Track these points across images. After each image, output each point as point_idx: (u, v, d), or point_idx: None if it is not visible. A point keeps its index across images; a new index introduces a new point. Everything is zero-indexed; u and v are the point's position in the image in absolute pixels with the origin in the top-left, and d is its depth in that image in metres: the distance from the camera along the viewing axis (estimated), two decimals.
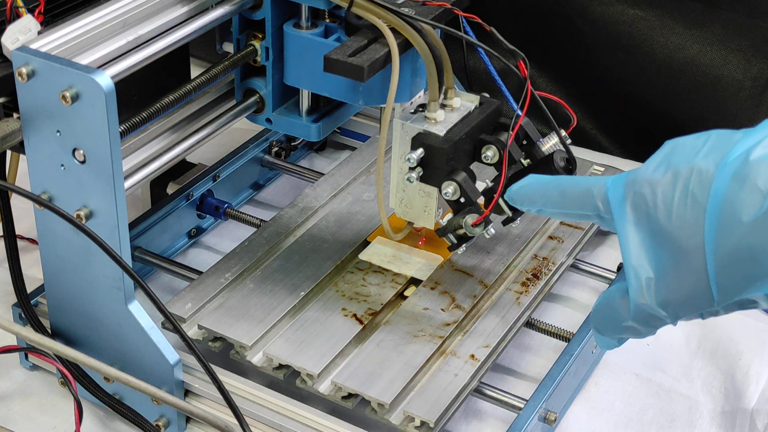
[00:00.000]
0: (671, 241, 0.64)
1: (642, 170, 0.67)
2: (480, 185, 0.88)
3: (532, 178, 0.76)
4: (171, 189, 1.12)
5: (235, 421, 0.78)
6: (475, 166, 0.89)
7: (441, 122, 0.87)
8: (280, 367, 0.89)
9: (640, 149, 1.03)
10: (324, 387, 0.87)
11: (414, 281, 0.98)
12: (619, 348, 1.01)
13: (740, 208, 0.61)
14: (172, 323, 0.79)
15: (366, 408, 0.86)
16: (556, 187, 0.73)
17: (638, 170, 0.68)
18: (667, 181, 0.65)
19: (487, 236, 0.88)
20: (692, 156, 0.64)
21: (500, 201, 0.86)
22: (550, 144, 0.88)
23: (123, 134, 0.84)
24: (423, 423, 0.84)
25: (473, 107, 0.89)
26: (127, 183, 0.88)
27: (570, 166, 0.85)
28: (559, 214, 0.74)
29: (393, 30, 0.84)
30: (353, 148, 1.27)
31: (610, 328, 0.71)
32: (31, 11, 0.82)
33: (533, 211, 0.75)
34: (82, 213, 0.81)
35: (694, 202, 0.63)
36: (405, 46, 0.85)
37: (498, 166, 0.87)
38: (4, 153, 0.90)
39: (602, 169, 1.16)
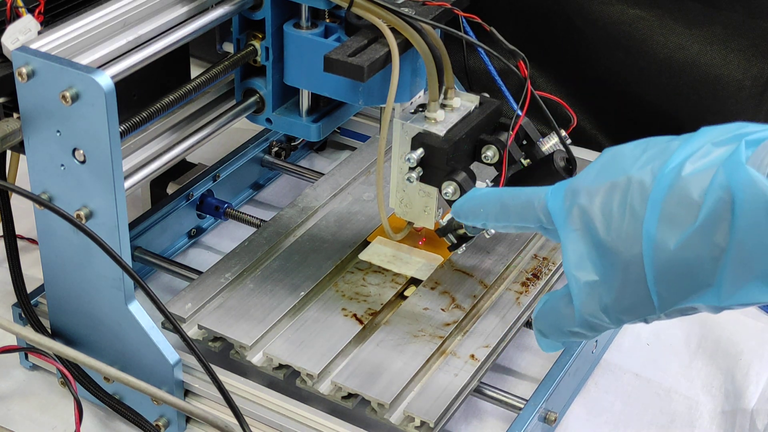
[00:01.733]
0: (611, 252, 0.64)
1: (581, 179, 0.67)
2: (480, 185, 0.88)
3: (475, 192, 0.76)
4: (171, 189, 1.12)
5: (235, 421, 0.78)
6: (475, 166, 0.89)
7: (441, 122, 0.87)
8: (280, 367, 0.89)
9: None
10: (324, 387, 0.87)
11: (414, 281, 0.98)
12: (619, 348, 1.02)
13: (675, 223, 0.61)
14: (172, 323, 0.79)
15: (366, 408, 0.86)
16: (497, 200, 0.73)
17: (577, 179, 0.68)
18: (606, 191, 0.65)
19: (487, 236, 0.88)
20: (630, 166, 0.64)
21: None
22: (550, 144, 0.88)
23: (123, 134, 0.84)
24: (423, 423, 0.84)
25: (473, 107, 0.89)
26: (127, 183, 0.88)
27: (570, 166, 0.85)
28: (504, 227, 0.74)
29: (393, 30, 0.85)
30: (353, 148, 1.27)
31: (554, 333, 0.72)
32: (31, 11, 0.82)
33: (479, 224, 0.76)
34: (82, 213, 0.81)
35: (632, 214, 0.63)
36: (405, 46, 0.85)
37: (498, 166, 0.87)
38: (4, 153, 0.90)
39: None
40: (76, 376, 0.88)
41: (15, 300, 0.92)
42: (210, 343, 0.91)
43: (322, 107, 0.98)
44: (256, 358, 0.90)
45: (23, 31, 0.80)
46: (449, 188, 0.86)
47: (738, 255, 0.59)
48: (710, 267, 0.60)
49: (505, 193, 0.73)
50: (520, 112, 0.86)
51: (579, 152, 1.11)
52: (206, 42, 0.97)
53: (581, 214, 0.66)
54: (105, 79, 0.75)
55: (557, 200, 0.68)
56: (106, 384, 0.89)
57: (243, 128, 1.12)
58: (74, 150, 0.79)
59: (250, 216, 1.10)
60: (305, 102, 0.97)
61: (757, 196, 0.58)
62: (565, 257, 0.67)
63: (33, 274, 0.98)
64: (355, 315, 0.93)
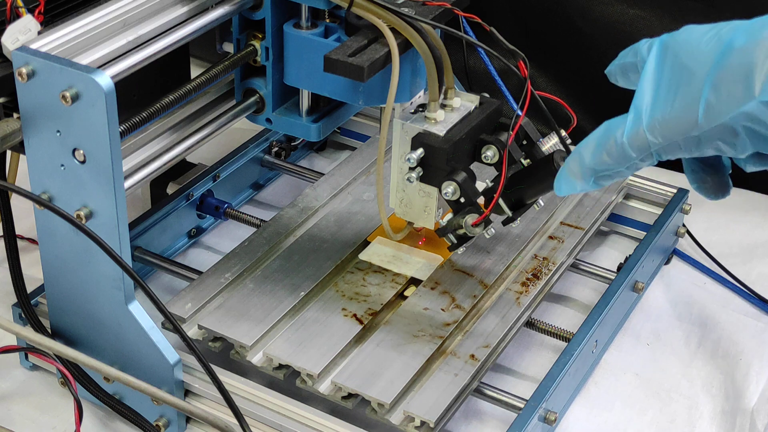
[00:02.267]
0: (683, 70, 0.68)
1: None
2: (480, 185, 0.88)
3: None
4: (171, 189, 1.12)
5: (235, 421, 0.78)
6: (475, 166, 0.89)
7: (441, 122, 0.87)
8: (280, 367, 0.89)
9: None
10: (324, 387, 0.87)
11: (414, 281, 0.98)
12: (619, 348, 1.02)
13: (755, 29, 0.67)
14: (172, 323, 0.79)
15: (366, 408, 0.86)
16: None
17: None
18: (705, 30, 0.71)
19: (487, 236, 0.88)
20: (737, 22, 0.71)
21: (500, 201, 0.87)
22: (550, 144, 0.87)
23: (123, 134, 0.84)
24: (423, 423, 0.84)
25: (473, 107, 0.89)
26: (127, 183, 0.88)
27: None
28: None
29: (393, 30, 0.85)
30: (353, 148, 1.27)
31: (594, 161, 0.74)
32: (31, 11, 0.82)
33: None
34: (82, 213, 0.81)
35: (719, 41, 0.69)
36: (405, 46, 0.85)
37: (498, 166, 0.87)
38: (4, 153, 0.90)
39: None
40: (76, 376, 0.88)
41: (15, 300, 0.92)
42: (210, 343, 0.91)
43: (322, 107, 0.98)
44: (256, 358, 0.90)
45: (23, 31, 0.80)
46: (449, 188, 0.86)
47: None
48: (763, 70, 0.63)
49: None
50: (520, 112, 0.86)
51: None
52: (206, 42, 0.97)
53: (672, 43, 0.71)
54: (105, 79, 0.75)
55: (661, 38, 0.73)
56: (106, 384, 0.89)
57: (243, 128, 1.12)
58: (74, 150, 0.79)
59: (250, 216, 1.10)
60: (305, 102, 0.97)
61: None
62: (641, 80, 0.71)
63: (33, 274, 0.98)
64: (355, 315, 0.93)
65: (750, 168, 0.74)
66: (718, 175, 0.76)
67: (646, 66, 0.71)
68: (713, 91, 0.65)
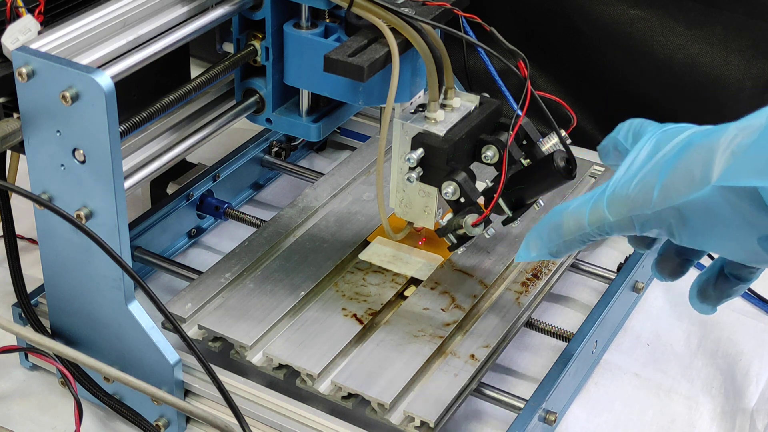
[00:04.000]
0: (651, 157, 0.70)
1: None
2: (480, 185, 0.88)
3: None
4: (171, 189, 1.12)
5: (235, 421, 0.78)
6: (475, 166, 0.89)
7: (441, 122, 0.87)
8: (280, 367, 0.89)
9: None
10: (324, 387, 0.87)
11: (414, 281, 0.98)
12: (619, 348, 1.02)
13: (714, 133, 0.66)
14: (172, 323, 0.79)
15: (366, 408, 0.86)
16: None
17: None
18: (684, 126, 0.71)
19: (487, 236, 0.88)
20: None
21: (500, 201, 0.86)
22: (550, 144, 0.87)
23: (123, 134, 0.84)
24: (423, 423, 0.84)
25: (473, 107, 0.89)
26: (127, 183, 0.88)
27: (570, 166, 0.85)
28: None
29: (393, 30, 0.84)
30: (353, 148, 1.27)
31: (550, 237, 0.76)
32: (31, 11, 0.82)
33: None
34: (82, 213, 0.81)
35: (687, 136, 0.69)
36: (405, 46, 0.85)
37: (498, 166, 0.87)
38: (4, 153, 0.90)
39: (602, 169, 1.16)
40: (76, 376, 0.88)
41: (15, 300, 0.93)
42: (210, 343, 0.91)
43: (322, 107, 0.98)
44: (256, 358, 0.90)
45: (23, 31, 0.80)
46: (449, 188, 0.86)
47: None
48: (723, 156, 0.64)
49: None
50: (520, 112, 0.86)
51: (579, 152, 1.11)
52: (206, 42, 0.97)
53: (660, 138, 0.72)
54: (105, 79, 0.75)
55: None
56: (106, 384, 0.89)
57: (243, 128, 1.12)
58: (74, 150, 0.79)
59: (250, 216, 1.10)
60: (305, 102, 0.97)
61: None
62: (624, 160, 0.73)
63: (33, 274, 0.98)
64: (355, 315, 0.93)
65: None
66: (680, 260, 0.79)
67: (633, 152, 0.73)
68: (671, 174, 0.67)
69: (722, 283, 0.77)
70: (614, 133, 0.79)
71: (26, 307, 0.92)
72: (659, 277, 0.80)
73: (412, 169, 0.87)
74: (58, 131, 0.79)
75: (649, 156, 0.70)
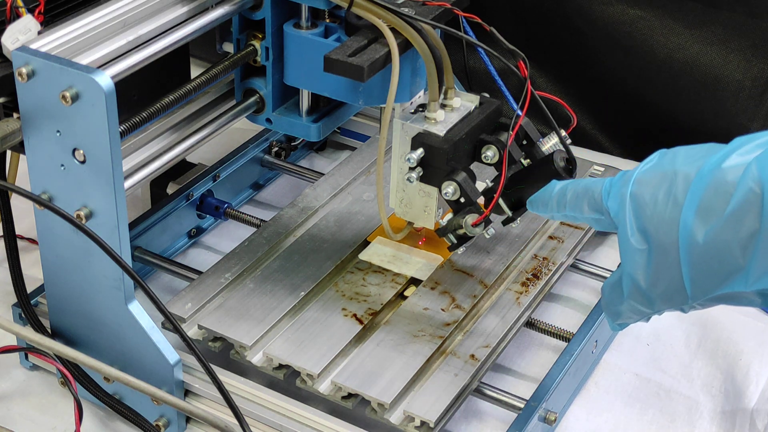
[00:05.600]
0: (652, 238, 0.68)
1: (636, 170, 0.72)
2: (480, 185, 0.88)
3: (550, 185, 0.81)
4: (171, 189, 1.12)
5: (235, 421, 0.78)
6: (475, 166, 0.89)
7: (441, 122, 0.87)
8: (280, 367, 0.89)
9: (639, 149, 1.03)
10: (324, 387, 0.87)
11: (414, 281, 0.98)
12: (619, 348, 1.02)
13: (710, 211, 0.65)
14: (172, 323, 0.79)
15: (366, 408, 0.86)
16: (561, 190, 0.78)
17: (632, 170, 0.72)
18: (656, 181, 0.69)
19: (487, 236, 0.88)
20: (680, 162, 0.69)
21: (500, 201, 0.87)
22: (550, 144, 0.87)
23: (123, 134, 0.84)
24: (423, 423, 0.84)
25: (473, 107, 0.89)
26: (127, 183, 0.88)
27: (570, 166, 0.85)
28: (563, 216, 0.78)
29: (393, 30, 0.84)
30: (353, 148, 1.27)
31: (613, 313, 0.76)
32: (31, 11, 0.82)
33: (546, 215, 0.80)
34: (82, 213, 0.81)
35: (674, 202, 0.67)
36: (405, 46, 0.85)
37: (498, 166, 0.87)
38: (4, 153, 0.90)
39: (602, 169, 1.16)
40: (76, 376, 0.88)
41: (15, 300, 0.92)
42: (210, 343, 0.91)
43: (322, 107, 0.98)
44: (256, 358, 0.90)
45: (23, 31, 0.80)
46: (449, 188, 0.86)
47: (766, 241, 0.62)
48: (740, 254, 0.63)
49: (570, 184, 0.78)
50: (520, 112, 0.86)
51: (579, 152, 1.11)
52: (206, 42, 0.97)
53: (631, 200, 0.70)
54: (105, 79, 0.75)
55: (615, 188, 0.72)
56: (106, 384, 0.89)
57: (243, 128, 1.12)
58: (74, 150, 0.79)
59: (250, 216, 1.10)
60: (305, 102, 0.97)
61: None
62: (620, 242, 0.71)
63: (33, 274, 0.98)
64: (355, 315, 0.93)
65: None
66: None
67: (618, 230, 0.71)
68: (694, 269, 0.66)
69: None
70: (562, 210, 0.78)
71: (26, 307, 0.92)
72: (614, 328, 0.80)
73: (412, 169, 0.87)
74: (58, 131, 0.79)
75: (647, 240, 0.69)
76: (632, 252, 0.70)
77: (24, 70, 0.77)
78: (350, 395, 0.87)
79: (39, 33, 0.81)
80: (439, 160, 0.86)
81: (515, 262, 1.01)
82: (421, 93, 0.92)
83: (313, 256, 1.00)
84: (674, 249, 0.67)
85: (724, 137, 0.71)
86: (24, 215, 0.99)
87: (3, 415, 0.92)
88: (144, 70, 0.85)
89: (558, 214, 0.79)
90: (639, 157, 0.77)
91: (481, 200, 0.88)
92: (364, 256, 1.00)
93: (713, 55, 1.21)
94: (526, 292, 0.98)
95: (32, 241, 1.08)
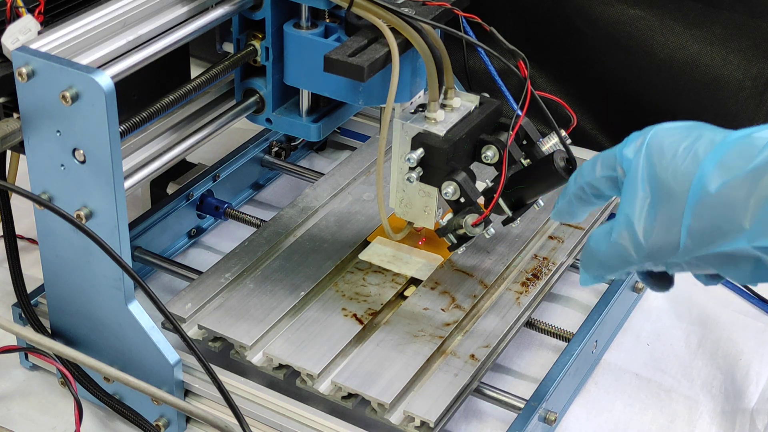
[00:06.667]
0: (662, 187, 0.68)
1: (661, 124, 0.71)
2: (480, 185, 0.88)
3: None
4: (171, 189, 1.12)
5: (235, 421, 0.78)
6: (475, 166, 0.89)
7: (441, 122, 0.87)
8: (280, 367, 0.89)
9: None
10: (324, 387, 0.87)
11: (414, 281, 0.98)
12: (619, 348, 1.02)
13: (730, 167, 0.64)
14: (172, 323, 0.79)
15: (366, 408, 0.86)
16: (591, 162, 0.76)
17: (655, 125, 0.72)
18: (678, 135, 0.69)
19: (487, 236, 0.88)
20: (708, 129, 0.69)
21: (500, 201, 0.87)
22: (550, 144, 0.88)
23: (123, 134, 0.84)
24: (423, 423, 0.84)
25: (473, 107, 0.89)
26: (127, 183, 0.88)
27: (570, 166, 0.85)
28: (587, 183, 0.76)
29: (393, 30, 0.84)
30: (353, 148, 1.27)
31: (590, 265, 0.74)
32: (31, 11, 0.82)
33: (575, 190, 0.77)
34: (82, 213, 0.81)
35: (694, 157, 0.67)
36: (405, 46, 0.85)
37: (498, 166, 0.87)
38: (4, 153, 0.90)
39: None
40: (76, 376, 0.88)
41: (15, 300, 0.92)
42: (210, 343, 0.91)
43: (322, 107, 0.98)
44: (256, 358, 0.90)
45: (23, 31, 0.80)
46: (449, 188, 0.86)
47: None
48: (750, 209, 0.63)
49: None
50: (520, 112, 0.86)
51: (579, 152, 1.11)
52: (206, 42, 0.97)
53: (649, 146, 0.69)
54: (105, 79, 0.75)
55: (632, 138, 0.72)
56: (106, 384, 0.89)
57: (243, 128, 1.12)
58: (74, 150, 0.79)
59: (250, 216, 1.10)
60: (305, 102, 0.97)
61: None
62: (623, 191, 0.70)
63: (33, 274, 0.98)
64: (355, 315, 0.93)
65: (706, 283, 0.74)
66: (661, 274, 0.76)
67: (627, 175, 0.71)
68: (696, 219, 0.65)
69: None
70: (578, 182, 0.76)
71: (26, 307, 0.92)
72: (651, 287, 0.78)
73: (412, 169, 0.87)
74: (58, 131, 0.79)
75: (654, 185, 0.68)
76: (636, 198, 0.69)
77: (24, 70, 0.77)
78: (350, 395, 0.87)
79: (39, 33, 0.81)
80: (439, 160, 0.86)
81: (515, 262, 1.01)
82: (421, 93, 0.92)
83: (313, 256, 1.00)
84: (682, 199, 0.66)
85: None
86: (24, 215, 0.99)
87: (3, 415, 0.92)
88: (144, 70, 0.85)
89: (573, 188, 0.76)
90: None
91: (481, 200, 0.88)
92: (364, 256, 1.00)
93: (713, 55, 1.21)
94: (526, 292, 0.98)
95: (32, 241, 1.08)
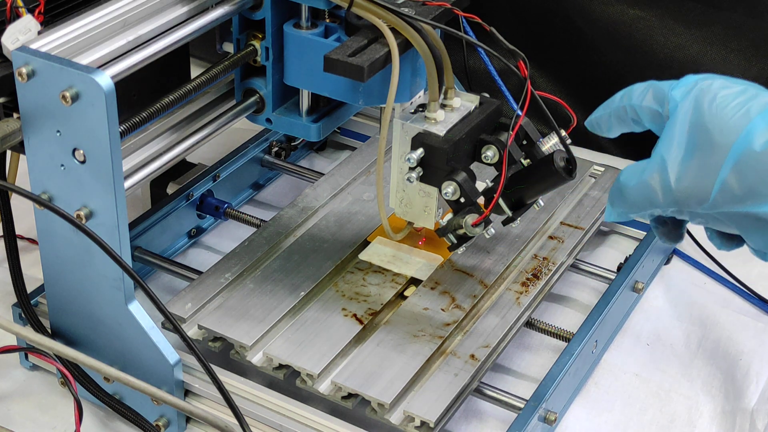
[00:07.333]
0: (704, 134, 0.66)
1: (722, 77, 0.70)
2: (480, 185, 0.88)
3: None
4: (171, 189, 1.12)
5: (235, 421, 0.78)
6: (475, 166, 0.89)
7: (441, 122, 0.87)
8: (280, 367, 0.89)
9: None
10: (324, 387, 0.87)
11: (414, 281, 0.98)
12: (619, 348, 1.02)
13: None
14: (172, 323, 0.79)
15: (366, 408, 0.86)
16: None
17: (708, 75, 0.71)
18: (734, 91, 0.67)
19: (487, 236, 0.88)
20: (764, 91, 0.68)
21: (500, 201, 0.86)
22: (550, 144, 0.87)
23: (123, 134, 0.84)
24: (423, 423, 0.84)
25: (473, 107, 0.89)
26: (127, 183, 0.88)
27: (570, 166, 0.85)
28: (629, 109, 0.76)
29: (393, 30, 0.84)
30: (353, 148, 1.27)
31: (617, 200, 0.74)
32: (31, 11, 0.82)
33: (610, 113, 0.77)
34: (82, 213, 0.81)
35: (745, 114, 0.66)
36: (405, 46, 0.85)
37: (498, 166, 0.87)
38: (4, 153, 0.90)
39: (602, 169, 1.16)
40: (76, 376, 0.88)
41: (15, 300, 0.92)
42: (210, 343, 0.91)
43: (322, 107, 0.98)
44: (256, 358, 0.90)
45: (23, 31, 0.80)
46: (449, 188, 0.86)
47: None
48: None
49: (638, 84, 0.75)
50: (520, 112, 0.86)
51: (579, 152, 1.11)
52: (206, 42, 0.97)
53: (700, 92, 0.68)
54: (105, 79, 0.75)
55: (686, 80, 0.71)
56: (106, 384, 0.89)
57: (243, 128, 1.12)
58: (74, 150, 0.79)
59: (250, 216, 1.10)
60: (305, 102, 0.97)
61: None
62: (664, 130, 0.69)
63: (33, 274, 0.98)
64: (355, 315, 0.93)
65: (720, 247, 0.73)
66: (676, 224, 0.75)
67: (670, 119, 0.69)
68: (733, 174, 0.64)
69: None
70: (624, 101, 0.75)
71: (26, 307, 0.92)
72: (662, 239, 0.77)
73: (412, 169, 0.87)
74: (58, 131, 0.79)
75: (700, 132, 0.67)
76: (675, 141, 0.68)
77: (24, 70, 0.77)
78: (350, 395, 0.87)
79: (39, 33, 0.81)
80: (439, 160, 0.86)
81: (515, 262, 1.01)
82: (421, 93, 0.92)
83: (313, 256, 1.00)
84: (724, 151, 0.65)
85: None
86: (24, 215, 0.99)
87: (3, 415, 0.92)
88: (144, 70, 0.85)
89: (617, 104, 0.75)
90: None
91: (481, 200, 0.88)
92: (364, 256, 1.00)
93: (713, 55, 1.21)
94: (526, 292, 0.98)
95: (32, 241, 1.08)
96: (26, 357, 0.96)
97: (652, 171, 0.69)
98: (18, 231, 0.93)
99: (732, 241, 0.72)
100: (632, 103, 0.73)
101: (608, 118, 0.76)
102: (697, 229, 1.14)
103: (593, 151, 1.26)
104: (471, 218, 0.86)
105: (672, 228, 0.74)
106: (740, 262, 1.12)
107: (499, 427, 0.91)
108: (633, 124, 0.74)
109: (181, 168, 1.13)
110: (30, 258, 1.03)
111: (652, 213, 0.71)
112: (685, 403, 0.96)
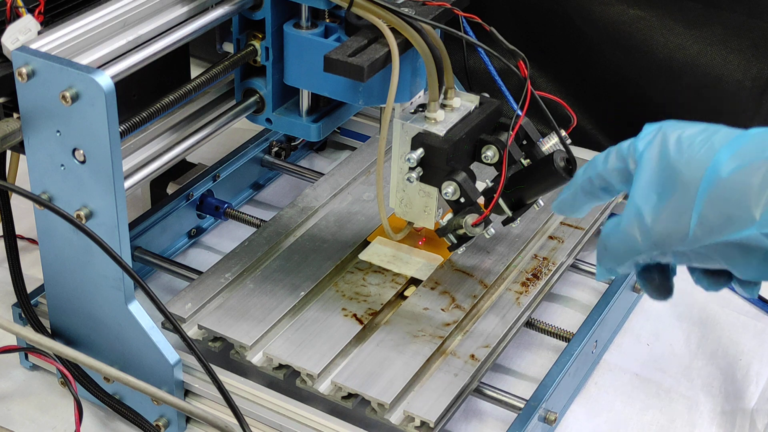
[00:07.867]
0: (674, 175, 0.67)
1: (674, 121, 0.71)
2: (480, 185, 0.88)
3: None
4: (171, 189, 1.12)
5: (235, 421, 0.78)
6: (475, 166, 0.89)
7: (441, 122, 0.87)
8: (280, 367, 0.89)
9: None
10: (324, 387, 0.87)
11: (414, 281, 0.98)
12: (619, 348, 1.02)
13: (746, 156, 0.64)
14: (172, 323, 0.79)
15: (366, 408, 0.86)
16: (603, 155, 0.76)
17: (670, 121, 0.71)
18: (695, 130, 0.68)
19: (487, 236, 0.88)
20: (724, 127, 0.68)
21: (500, 201, 0.86)
22: (550, 144, 0.88)
23: (123, 134, 0.84)
24: (423, 423, 0.84)
25: (473, 107, 0.89)
26: (127, 183, 0.88)
27: (570, 166, 0.85)
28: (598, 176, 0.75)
29: (393, 30, 0.84)
30: (353, 148, 1.27)
31: (602, 256, 0.74)
32: (31, 11, 0.82)
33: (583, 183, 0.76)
34: (82, 213, 0.81)
35: (710, 147, 0.66)
36: (405, 46, 0.85)
37: (498, 166, 0.87)
38: (4, 153, 0.90)
39: None
40: (76, 376, 0.88)
41: (15, 300, 0.92)
42: (210, 343, 0.91)
43: (322, 107, 0.98)
44: (256, 358, 0.90)
45: (23, 31, 0.80)
46: (449, 188, 0.86)
47: None
48: (762, 196, 0.62)
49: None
50: (520, 112, 0.86)
51: (579, 152, 1.11)
52: (206, 42, 0.97)
53: (663, 136, 0.69)
54: (105, 79, 0.75)
55: (648, 129, 0.71)
56: (106, 384, 0.89)
57: (243, 128, 1.12)
58: (74, 150, 0.79)
59: (250, 216, 1.10)
60: (305, 102, 0.97)
61: None
62: (634, 180, 0.70)
63: (33, 274, 0.98)
64: (355, 315, 0.93)
65: (709, 288, 0.73)
66: (663, 278, 0.75)
67: (638, 167, 0.70)
68: (708, 206, 0.65)
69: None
70: (587, 173, 0.74)
71: (26, 307, 0.91)
72: (653, 295, 0.76)
73: (412, 169, 0.87)
74: (58, 131, 0.79)
75: (667, 171, 0.67)
76: (646, 185, 0.68)
77: (24, 70, 0.77)
78: (350, 395, 0.87)
79: (39, 33, 0.81)
80: (439, 160, 0.86)
81: (515, 262, 1.01)
82: (421, 93, 0.92)
83: (313, 256, 1.00)
84: (694, 185, 0.66)
85: None
86: (24, 215, 0.99)
87: (3, 415, 0.92)
88: (144, 70, 0.85)
89: (581, 179, 0.75)
90: None
91: (481, 200, 0.88)
92: (364, 256, 1.00)
93: (713, 55, 1.21)
94: (526, 292, 0.98)
95: (32, 241, 1.08)
96: (26, 357, 0.96)
97: (629, 219, 0.70)
98: (18, 231, 0.93)
99: (720, 278, 0.73)
100: (598, 172, 0.74)
101: (574, 196, 0.76)
102: None
103: (593, 151, 1.26)
104: (471, 218, 0.86)
105: (660, 282, 0.75)
106: None
107: (499, 427, 0.91)
108: (602, 194, 0.75)
109: (181, 168, 1.13)
110: (30, 258, 1.03)
111: (637, 261, 0.71)
112: (685, 403, 0.96)
